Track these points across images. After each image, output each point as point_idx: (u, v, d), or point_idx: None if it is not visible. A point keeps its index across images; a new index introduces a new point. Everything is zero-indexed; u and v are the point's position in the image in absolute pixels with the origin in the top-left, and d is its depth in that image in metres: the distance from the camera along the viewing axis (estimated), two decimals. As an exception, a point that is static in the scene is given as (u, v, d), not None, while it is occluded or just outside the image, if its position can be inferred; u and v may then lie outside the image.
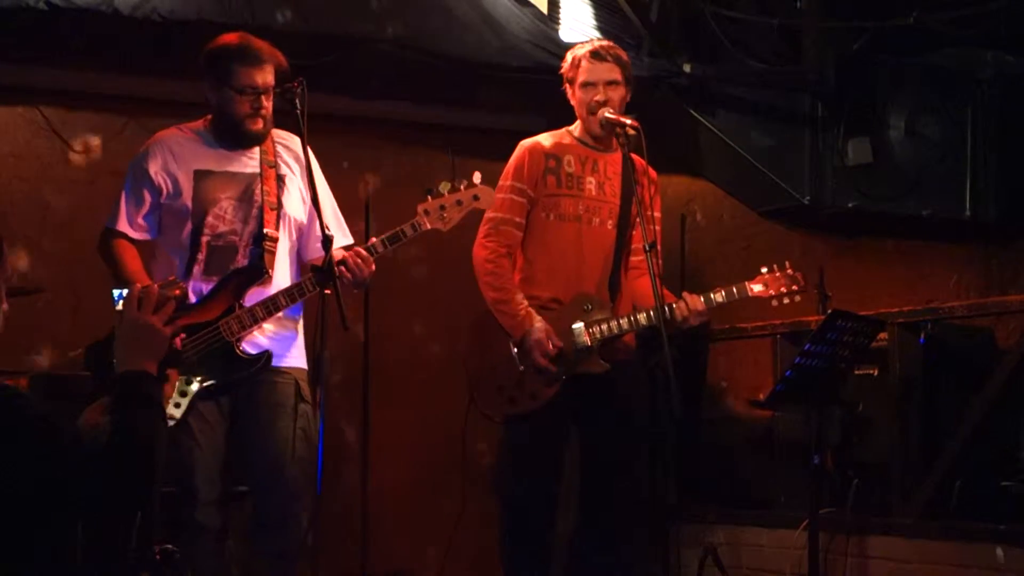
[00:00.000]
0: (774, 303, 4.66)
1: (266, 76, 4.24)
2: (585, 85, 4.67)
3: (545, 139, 4.77)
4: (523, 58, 5.77)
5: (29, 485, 2.44)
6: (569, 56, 4.76)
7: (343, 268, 4.13)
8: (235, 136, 4.31)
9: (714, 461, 6.01)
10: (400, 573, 5.84)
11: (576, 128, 4.80)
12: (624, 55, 4.76)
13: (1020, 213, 6.72)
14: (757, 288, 4.62)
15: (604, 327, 4.59)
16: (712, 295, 4.58)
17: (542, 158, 4.69)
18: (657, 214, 4.65)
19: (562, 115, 4.84)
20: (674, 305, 4.53)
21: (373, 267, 4.21)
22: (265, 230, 4.27)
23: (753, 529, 5.51)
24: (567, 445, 4.74)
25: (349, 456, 5.68)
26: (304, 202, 4.40)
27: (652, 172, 4.67)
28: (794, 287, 4.64)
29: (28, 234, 5.52)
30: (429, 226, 4.24)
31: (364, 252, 4.19)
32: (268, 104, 4.27)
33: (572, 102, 4.75)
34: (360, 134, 6.13)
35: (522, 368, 4.58)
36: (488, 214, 4.68)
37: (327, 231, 4.07)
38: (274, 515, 4.22)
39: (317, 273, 4.14)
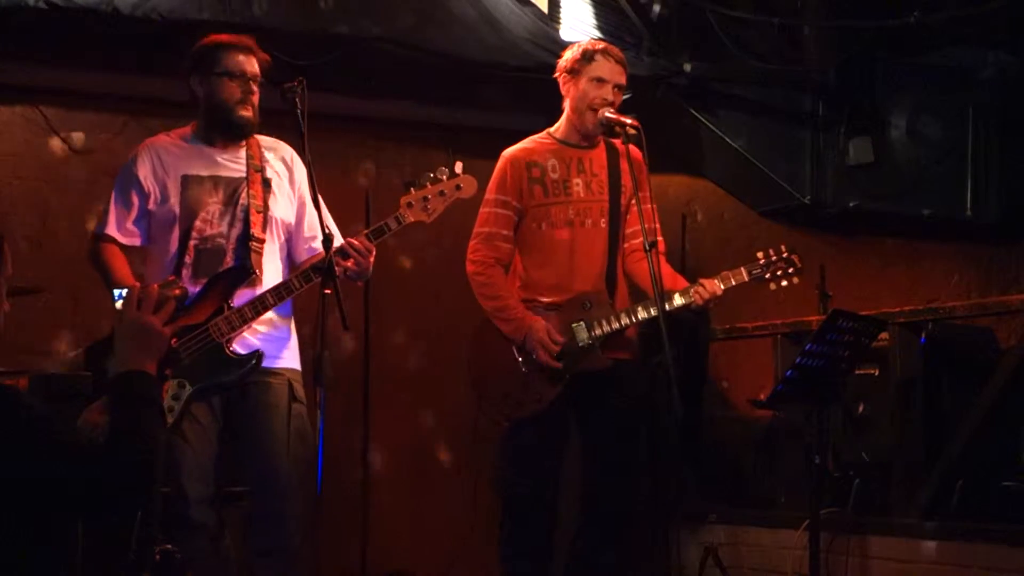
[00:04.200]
0: (772, 286, 4.65)
1: (252, 64, 4.29)
2: (596, 80, 4.62)
3: (526, 147, 4.73)
4: (523, 57, 5.76)
5: (29, 485, 2.44)
6: (577, 48, 4.70)
7: (349, 252, 4.13)
8: (225, 127, 4.31)
9: (715, 461, 6.00)
10: (400, 573, 5.84)
11: (558, 128, 4.76)
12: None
13: (1021, 213, 6.71)
14: (754, 272, 4.61)
15: (604, 323, 4.59)
16: (714, 282, 4.57)
17: (524, 168, 4.67)
18: (645, 194, 4.53)
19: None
20: (691, 290, 4.52)
21: (374, 256, 4.22)
22: (251, 231, 4.27)
23: (754, 529, 5.51)
24: (568, 444, 4.74)
25: (349, 456, 5.68)
26: (292, 205, 4.41)
27: (634, 151, 4.60)
28: (790, 269, 4.64)
29: (28, 234, 5.52)
30: (413, 219, 4.25)
31: (365, 240, 4.19)
32: (256, 95, 4.28)
33: (568, 94, 4.70)
34: (360, 133, 6.14)
35: (526, 371, 4.58)
36: (475, 229, 4.71)
37: (327, 230, 4.06)
38: (270, 515, 4.23)
39: (317, 272, 4.13)
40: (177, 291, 2.83)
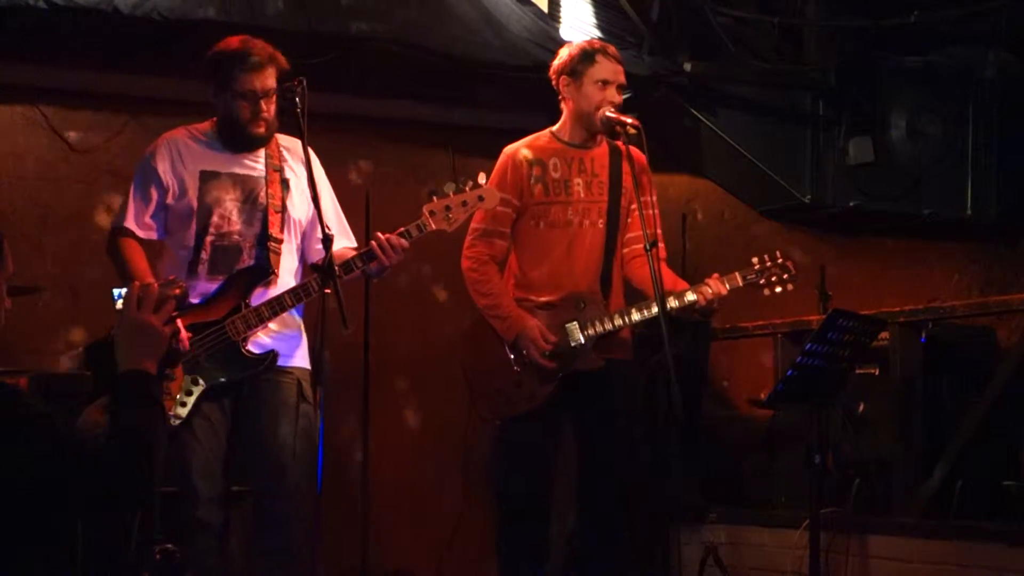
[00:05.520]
0: (766, 292, 4.64)
1: (266, 80, 4.24)
2: (601, 82, 4.60)
3: (527, 145, 4.71)
4: (523, 57, 5.76)
5: (29, 485, 2.44)
6: (576, 48, 4.66)
7: (376, 253, 4.13)
8: (239, 140, 4.32)
9: (715, 460, 6.00)
10: (400, 573, 5.84)
11: (560, 128, 4.74)
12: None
13: (1021, 212, 6.72)
14: (748, 278, 4.61)
15: (598, 324, 4.59)
16: (720, 282, 4.57)
17: (526, 166, 4.66)
18: (647, 198, 4.54)
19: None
20: (695, 290, 4.52)
21: (403, 255, 4.21)
22: (269, 231, 4.27)
23: (754, 528, 5.51)
24: (563, 443, 4.74)
25: (349, 455, 5.68)
26: (308, 206, 4.40)
27: (636, 152, 4.59)
28: (784, 276, 4.63)
29: (28, 234, 5.52)
30: (434, 227, 4.24)
31: (400, 239, 4.18)
32: (270, 108, 4.27)
33: (570, 96, 4.66)
34: (360, 133, 6.14)
35: (518, 369, 4.57)
36: (472, 224, 4.67)
37: (327, 230, 4.06)
38: (275, 514, 4.22)
39: (317, 271, 4.13)
40: (177, 291, 2.82)
